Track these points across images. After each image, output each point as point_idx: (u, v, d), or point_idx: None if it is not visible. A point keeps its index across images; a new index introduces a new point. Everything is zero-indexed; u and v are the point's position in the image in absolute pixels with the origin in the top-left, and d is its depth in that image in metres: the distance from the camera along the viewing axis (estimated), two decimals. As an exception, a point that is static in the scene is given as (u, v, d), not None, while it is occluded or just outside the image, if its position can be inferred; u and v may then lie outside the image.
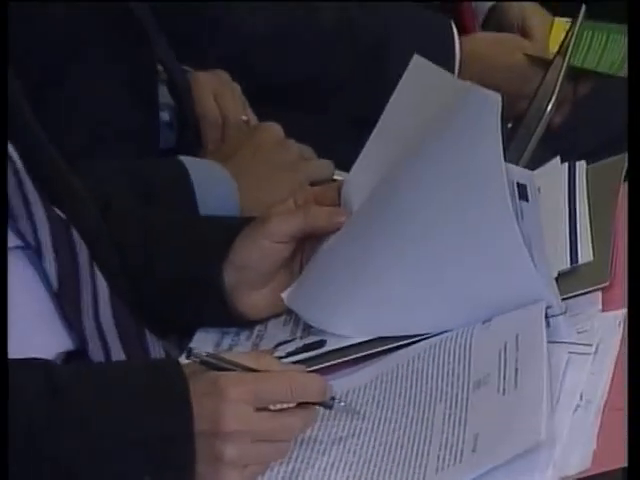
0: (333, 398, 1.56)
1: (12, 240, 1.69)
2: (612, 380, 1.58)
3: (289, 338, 1.79)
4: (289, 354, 1.73)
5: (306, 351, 1.73)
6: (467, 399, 1.58)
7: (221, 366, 1.56)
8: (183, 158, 2.04)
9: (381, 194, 1.81)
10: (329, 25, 2.30)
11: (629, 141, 1.77)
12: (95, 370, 1.65)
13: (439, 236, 1.70)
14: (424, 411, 1.59)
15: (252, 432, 1.52)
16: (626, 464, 1.50)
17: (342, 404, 1.58)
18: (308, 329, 1.79)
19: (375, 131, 1.93)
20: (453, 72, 2.25)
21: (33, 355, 1.63)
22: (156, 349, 1.76)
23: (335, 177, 2.06)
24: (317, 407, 1.56)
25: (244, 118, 2.16)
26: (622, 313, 1.67)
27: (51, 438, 1.50)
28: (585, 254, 1.77)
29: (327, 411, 1.59)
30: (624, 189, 1.86)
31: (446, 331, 1.70)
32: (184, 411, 1.51)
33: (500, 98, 1.68)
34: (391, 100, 1.93)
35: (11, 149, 1.73)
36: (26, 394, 1.52)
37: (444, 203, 1.70)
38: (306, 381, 1.57)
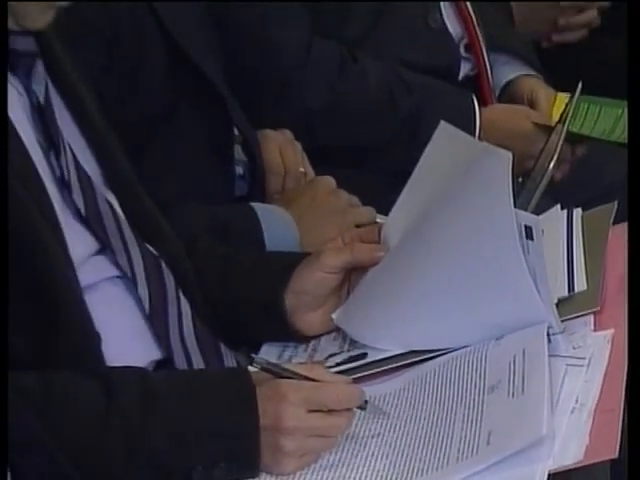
0: (366, 401, 1.58)
1: (112, 271, 1.71)
2: (602, 387, 1.58)
3: (338, 351, 1.79)
4: (337, 364, 1.74)
5: (352, 362, 1.73)
6: (482, 402, 1.58)
7: (282, 374, 1.57)
8: (254, 204, 2.04)
9: (414, 234, 1.81)
10: (375, 99, 2.30)
11: (629, 156, 1.76)
12: (180, 377, 1.67)
13: (461, 269, 1.70)
14: (447, 411, 1.60)
15: (306, 429, 1.53)
16: (615, 456, 1.48)
17: (371, 407, 1.59)
18: (353, 343, 1.78)
19: (409, 183, 1.94)
20: (474, 136, 2.26)
21: (129, 363, 1.65)
22: (229, 359, 1.78)
23: (376, 220, 2.05)
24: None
25: (302, 170, 2.16)
26: (610, 333, 1.67)
27: (143, 434, 1.52)
28: (580, 284, 1.77)
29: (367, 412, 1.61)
30: (613, 231, 1.86)
31: (466, 346, 1.70)
32: (252, 411, 1.52)
33: (511, 156, 1.68)
34: (422, 157, 1.93)
35: (112, 198, 1.75)
36: (123, 396, 1.54)
37: (465, 241, 1.71)
38: (350, 391, 1.59)
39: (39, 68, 1.69)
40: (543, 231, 1.80)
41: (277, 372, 1.58)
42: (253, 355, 1.64)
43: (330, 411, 1.56)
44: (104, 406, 1.53)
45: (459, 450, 1.53)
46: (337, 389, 1.58)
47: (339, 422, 1.56)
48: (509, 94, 2.48)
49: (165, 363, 1.73)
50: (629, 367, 1.59)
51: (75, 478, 1.49)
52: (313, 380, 1.58)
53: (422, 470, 1.52)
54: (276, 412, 1.53)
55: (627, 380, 1.58)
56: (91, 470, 1.51)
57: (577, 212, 1.89)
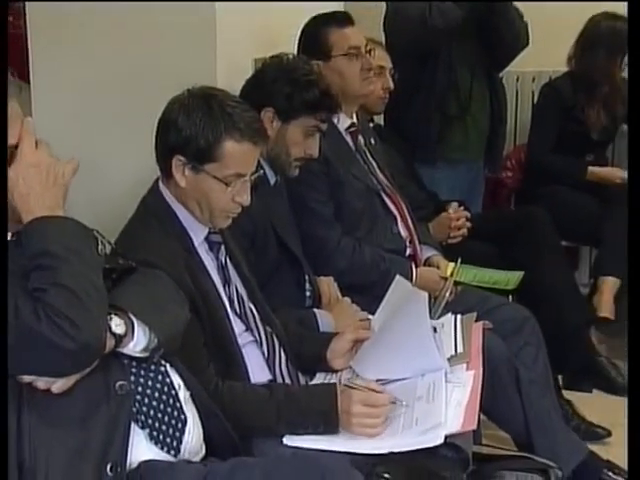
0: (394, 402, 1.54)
1: (250, 338, 1.67)
2: (470, 396, 1.55)
3: (350, 376, 1.72)
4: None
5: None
6: (414, 404, 1.55)
7: (353, 387, 1.55)
8: (314, 310, 1.99)
9: (383, 329, 1.78)
10: (369, 264, 2.22)
11: (629, 160, 1.63)
12: (304, 388, 1.64)
13: (404, 346, 1.66)
14: (398, 407, 1.55)
15: (363, 413, 1.50)
16: (475, 427, 1.49)
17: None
18: (356, 374, 1.72)
19: (382, 303, 1.93)
20: (412, 282, 2.18)
21: (257, 381, 1.63)
22: (302, 380, 1.73)
23: (368, 317, 1.97)
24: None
25: (335, 296, 2.08)
26: (473, 372, 1.62)
27: (285, 410, 1.50)
28: (459, 349, 1.71)
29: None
30: (474, 326, 1.80)
31: (406, 378, 1.64)
32: (334, 405, 1.51)
33: (427, 295, 1.68)
34: (388, 293, 1.94)
35: (252, 306, 1.69)
36: (276, 394, 1.53)
37: (406, 334, 1.66)
38: (382, 396, 1.54)
39: (222, 248, 1.68)
40: (443, 325, 1.80)
41: (350, 386, 1.55)
42: (346, 383, 1.59)
43: (375, 406, 1.51)
44: (268, 396, 1.52)
45: (402, 426, 1.51)
46: (378, 396, 1.53)
47: (380, 411, 1.51)
48: (428, 262, 2.38)
49: (272, 381, 1.66)
50: (629, 369, 1.43)
51: (234, 438, 1.44)
52: (369, 389, 1.54)
53: (382, 436, 1.49)
54: (348, 405, 1.50)
55: (629, 379, 1.47)
56: (258, 426, 1.50)
57: (459, 316, 1.85)
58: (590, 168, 3.04)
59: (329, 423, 1.49)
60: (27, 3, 2.03)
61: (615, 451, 2.23)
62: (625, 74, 3.00)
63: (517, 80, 3.37)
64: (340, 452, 1.43)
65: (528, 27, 2.80)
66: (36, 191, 1.21)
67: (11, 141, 1.22)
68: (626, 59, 2.96)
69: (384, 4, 2.77)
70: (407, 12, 2.62)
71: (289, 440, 1.49)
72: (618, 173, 3.07)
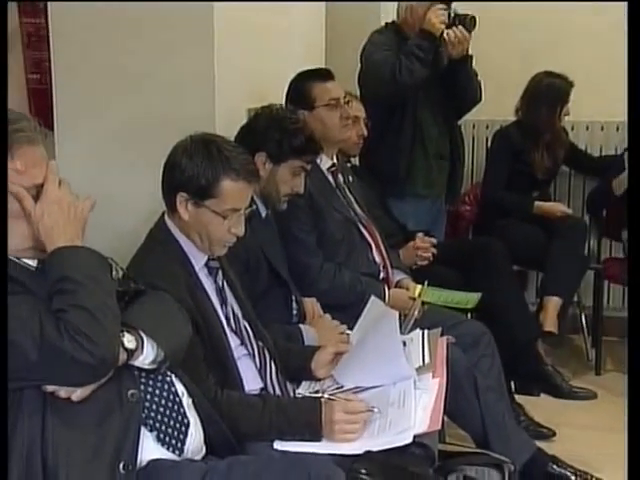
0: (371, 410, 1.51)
1: (245, 352, 1.64)
2: (435, 400, 1.55)
3: (332, 384, 1.72)
4: (332, 390, 1.66)
5: (337, 389, 1.68)
6: (387, 409, 1.54)
7: (333, 399, 1.53)
8: (300, 325, 1.97)
9: (359, 343, 1.77)
10: (348, 286, 2.20)
11: (629, 163, 1.59)
12: (291, 400, 1.61)
13: (378, 357, 1.64)
14: (374, 415, 1.52)
15: (344, 420, 1.48)
16: (439, 428, 1.49)
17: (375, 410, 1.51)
18: (337, 382, 1.72)
19: (359, 320, 1.93)
20: (385, 302, 2.14)
21: (251, 389, 1.60)
22: (290, 388, 1.70)
23: (348, 332, 1.96)
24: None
25: (319, 314, 2.06)
26: (438, 380, 1.60)
27: (276, 418, 1.48)
28: (427, 360, 1.70)
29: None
30: (439, 340, 1.77)
31: (381, 385, 1.63)
32: (318, 416, 1.48)
33: (397, 313, 1.67)
34: (364, 312, 1.93)
35: (246, 323, 1.66)
36: (269, 404, 1.51)
37: (380, 348, 1.65)
38: (360, 404, 1.52)
39: (220, 273, 1.66)
40: (412, 339, 1.79)
41: (332, 399, 1.54)
42: (325, 396, 1.56)
43: (354, 413, 1.49)
44: (261, 406, 1.50)
45: (378, 427, 1.50)
46: (356, 405, 1.52)
47: (358, 417, 1.50)
48: (399, 285, 2.36)
49: (263, 389, 1.64)
50: (629, 369, 1.38)
51: (231, 439, 1.42)
52: (348, 400, 1.52)
53: (361, 437, 1.48)
54: (330, 415, 1.48)
55: (629, 383, 1.35)
56: (252, 432, 1.47)
57: (426, 332, 1.79)
58: (536, 203, 3.10)
59: (313, 433, 1.48)
60: (53, 64, 2.07)
61: (559, 447, 2.25)
62: (563, 123, 3.11)
63: (473, 127, 3.48)
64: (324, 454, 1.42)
65: (481, 84, 2.87)
66: (59, 224, 1.22)
67: (37, 181, 1.24)
68: (564, 109, 3.03)
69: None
70: (379, 70, 2.66)
71: (279, 445, 1.48)
72: (560, 207, 3.16)
